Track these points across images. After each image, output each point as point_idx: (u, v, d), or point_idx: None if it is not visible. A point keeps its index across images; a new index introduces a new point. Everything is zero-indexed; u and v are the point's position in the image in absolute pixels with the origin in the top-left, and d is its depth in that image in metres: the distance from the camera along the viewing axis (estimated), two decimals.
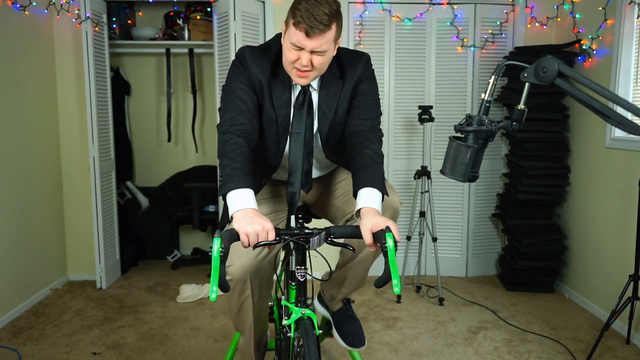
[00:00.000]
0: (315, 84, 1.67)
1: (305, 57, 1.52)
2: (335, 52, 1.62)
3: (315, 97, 1.69)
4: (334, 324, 2.02)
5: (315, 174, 1.85)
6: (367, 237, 1.37)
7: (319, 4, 1.46)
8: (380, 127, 1.71)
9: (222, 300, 3.37)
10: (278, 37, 1.67)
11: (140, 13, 4.32)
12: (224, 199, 1.49)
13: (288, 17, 1.53)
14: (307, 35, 1.47)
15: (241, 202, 1.42)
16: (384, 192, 1.50)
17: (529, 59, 3.15)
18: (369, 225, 1.38)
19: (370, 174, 1.50)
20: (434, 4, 3.69)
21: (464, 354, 2.69)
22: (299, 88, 1.67)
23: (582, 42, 3.36)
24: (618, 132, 3.05)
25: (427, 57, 3.76)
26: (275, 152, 1.74)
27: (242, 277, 1.71)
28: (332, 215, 1.88)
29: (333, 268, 1.89)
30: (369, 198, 1.47)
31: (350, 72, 1.67)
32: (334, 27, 1.50)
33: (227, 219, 1.52)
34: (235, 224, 1.37)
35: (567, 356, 2.66)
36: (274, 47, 1.66)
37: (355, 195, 1.52)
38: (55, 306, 3.32)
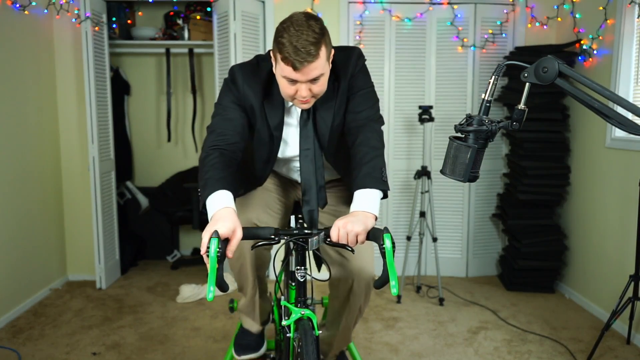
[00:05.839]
0: None
1: (304, 89, 1.48)
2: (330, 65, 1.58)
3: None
4: None
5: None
6: (334, 231, 1.38)
7: (301, 32, 1.39)
8: (381, 113, 1.69)
9: (222, 300, 3.37)
10: (268, 54, 1.61)
11: (140, 13, 4.32)
12: (205, 210, 1.47)
13: (274, 48, 1.48)
14: (296, 69, 1.42)
15: (220, 202, 1.42)
16: (379, 187, 1.48)
17: (529, 58, 3.14)
18: (340, 221, 1.37)
19: (364, 173, 1.49)
20: (434, 4, 3.69)
21: (464, 354, 2.68)
22: (298, 109, 1.66)
23: (582, 42, 3.35)
24: (618, 132, 3.04)
25: (427, 57, 3.76)
26: (262, 170, 1.78)
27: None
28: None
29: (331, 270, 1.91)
30: (359, 201, 1.46)
31: (343, 71, 1.65)
32: (322, 52, 1.43)
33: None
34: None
35: (567, 356, 2.66)
36: (264, 67, 1.62)
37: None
38: (55, 306, 3.31)
